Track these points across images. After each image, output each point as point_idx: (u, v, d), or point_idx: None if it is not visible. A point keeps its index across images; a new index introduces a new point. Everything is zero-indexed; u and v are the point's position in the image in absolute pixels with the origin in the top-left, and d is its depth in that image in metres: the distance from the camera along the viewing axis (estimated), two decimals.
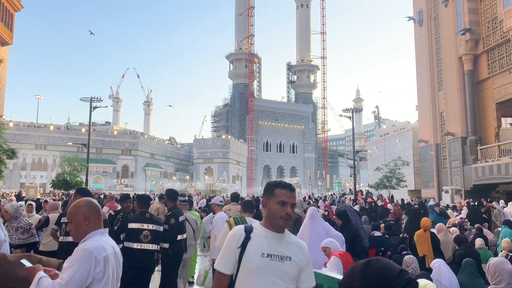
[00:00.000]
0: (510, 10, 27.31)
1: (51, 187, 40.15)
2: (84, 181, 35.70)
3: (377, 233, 8.31)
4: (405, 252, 8.05)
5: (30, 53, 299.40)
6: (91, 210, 2.77)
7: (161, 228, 5.76)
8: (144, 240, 5.52)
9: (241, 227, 2.47)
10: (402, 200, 25.79)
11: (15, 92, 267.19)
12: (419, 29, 38.88)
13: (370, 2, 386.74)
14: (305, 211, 12.19)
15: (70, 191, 35.78)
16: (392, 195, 34.86)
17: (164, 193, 7.01)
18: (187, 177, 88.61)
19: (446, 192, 33.03)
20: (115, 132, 78.42)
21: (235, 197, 8.41)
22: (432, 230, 8.33)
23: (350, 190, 60.42)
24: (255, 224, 2.51)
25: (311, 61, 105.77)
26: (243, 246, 2.36)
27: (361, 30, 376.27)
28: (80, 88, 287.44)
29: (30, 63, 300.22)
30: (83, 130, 70.00)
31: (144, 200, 5.90)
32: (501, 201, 19.91)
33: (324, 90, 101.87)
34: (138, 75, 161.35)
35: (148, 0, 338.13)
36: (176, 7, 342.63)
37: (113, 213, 6.55)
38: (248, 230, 2.43)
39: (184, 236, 6.35)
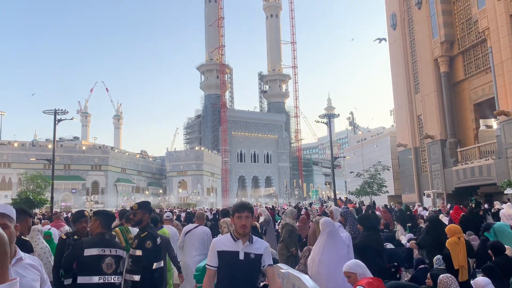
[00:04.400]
0: (484, 10, 27.13)
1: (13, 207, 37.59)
2: (49, 198, 33.50)
3: (389, 245, 7.11)
4: (422, 266, 6.92)
5: None
6: None
7: (124, 253, 4.26)
8: (108, 271, 3.97)
9: None
10: (386, 206, 25.15)
11: None
12: (393, 32, 38.56)
13: (341, 9, 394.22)
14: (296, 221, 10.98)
15: (34, 210, 33.53)
16: (374, 201, 34.07)
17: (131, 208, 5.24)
18: (160, 191, 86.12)
19: (428, 196, 32.46)
20: (84, 147, 75.62)
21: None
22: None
23: (328, 197, 59.72)
24: None
25: (282, 70, 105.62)
26: None
27: (332, 38, 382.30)
28: (47, 104, 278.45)
29: None
30: (49, 146, 66.60)
31: (108, 217, 4.39)
32: (496, 202, 18.96)
33: (296, 99, 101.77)
34: (107, 88, 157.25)
35: (116, 13, 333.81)
36: (145, 18, 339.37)
37: (64, 237, 4.99)
38: None
39: (162, 263, 4.73)
